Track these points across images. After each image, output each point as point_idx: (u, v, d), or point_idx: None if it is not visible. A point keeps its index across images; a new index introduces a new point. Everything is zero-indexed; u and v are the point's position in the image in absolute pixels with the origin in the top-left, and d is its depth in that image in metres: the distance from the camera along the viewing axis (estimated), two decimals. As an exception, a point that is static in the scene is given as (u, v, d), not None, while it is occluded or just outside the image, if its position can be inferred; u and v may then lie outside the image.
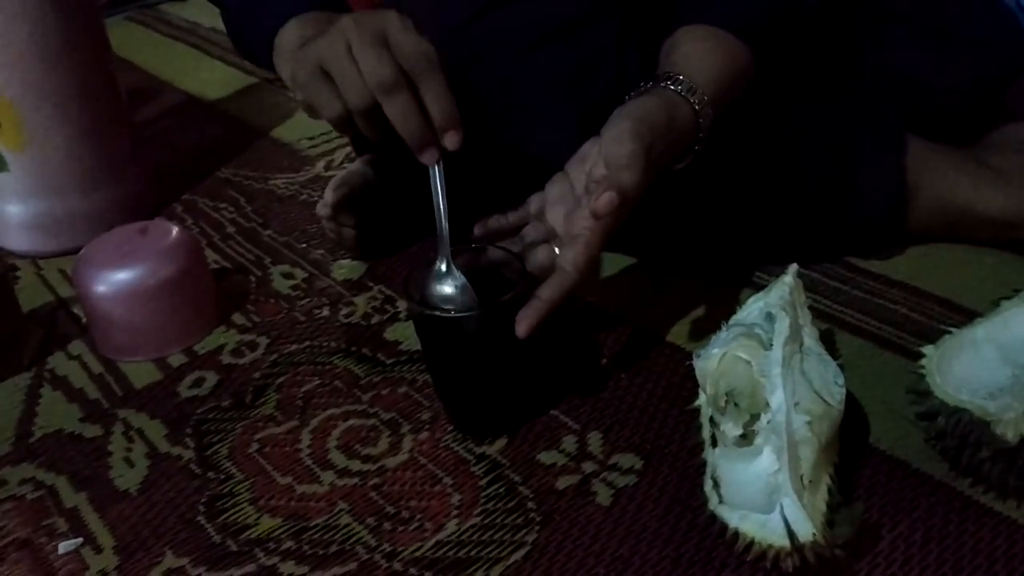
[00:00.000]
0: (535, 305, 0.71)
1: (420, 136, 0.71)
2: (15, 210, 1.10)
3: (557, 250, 0.75)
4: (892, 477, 0.69)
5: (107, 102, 1.12)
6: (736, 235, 0.91)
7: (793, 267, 0.76)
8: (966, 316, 0.80)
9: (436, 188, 0.74)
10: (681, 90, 0.76)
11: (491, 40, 0.86)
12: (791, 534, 0.58)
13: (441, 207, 0.74)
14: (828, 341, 0.81)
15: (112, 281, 0.90)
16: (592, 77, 0.86)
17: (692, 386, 0.75)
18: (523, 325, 0.71)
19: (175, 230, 0.94)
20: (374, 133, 0.74)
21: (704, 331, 0.84)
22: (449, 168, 0.75)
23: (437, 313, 0.73)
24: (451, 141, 0.72)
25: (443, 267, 0.75)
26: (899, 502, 0.67)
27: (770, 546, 0.58)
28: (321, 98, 0.73)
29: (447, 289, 0.75)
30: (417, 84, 0.71)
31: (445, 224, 0.74)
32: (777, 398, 0.65)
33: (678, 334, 0.86)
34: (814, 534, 0.58)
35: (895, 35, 0.92)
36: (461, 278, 0.75)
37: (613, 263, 0.95)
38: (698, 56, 0.78)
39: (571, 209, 0.76)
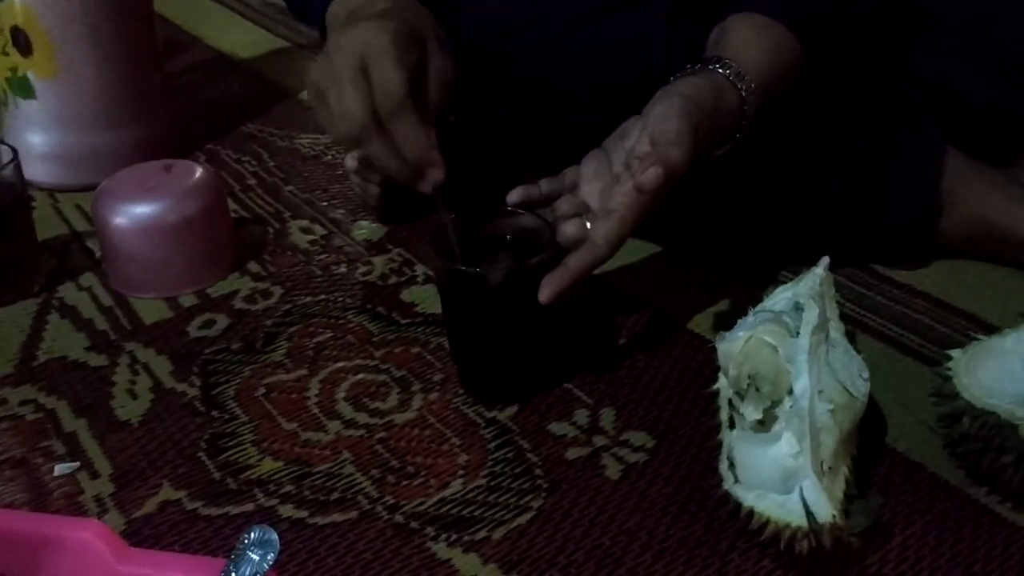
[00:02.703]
0: (561, 273, 0.71)
1: (402, 174, 0.73)
2: (38, 140, 1.09)
3: (588, 225, 0.74)
4: (908, 478, 0.68)
5: (141, 41, 1.11)
6: (766, 230, 0.90)
7: (825, 260, 0.75)
8: (991, 331, 0.79)
9: (442, 212, 0.74)
10: (729, 75, 0.75)
11: (541, 8, 0.86)
12: (809, 514, 0.57)
13: (451, 227, 0.74)
14: (850, 341, 0.80)
15: (132, 214, 0.89)
16: (638, 56, 0.85)
17: (709, 372, 0.75)
18: (547, 290, 0.70)
19: (200, 170, 0.93)
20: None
21: (725, 322, 0.83)
22: (488, 133, 0.74)
23: (462, 268, 0.72)
24: (434, 176, 0.73)
25: None
26: (913, 503, 0.66)
27: (787, 525, 0.57)
28: (323, 122, 0.75)
29: None
30: (388, 126, 0.71)
31: (456, 242, 0.74)
32: (802, 383, 0.64)
33: (698, 322, 0.85)
34: (834, 516, 0.57)
35: (944, 47, 0.91)
36: None
37: (638, 249, 0.94)
38: (748, 44, 0.77)
39: (607, 185, 0.75)
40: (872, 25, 0.87)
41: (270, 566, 0.47)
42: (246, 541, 0.48)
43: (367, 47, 0.71)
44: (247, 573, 0.47)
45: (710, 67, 0.75)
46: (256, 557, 0.47)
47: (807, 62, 0.80)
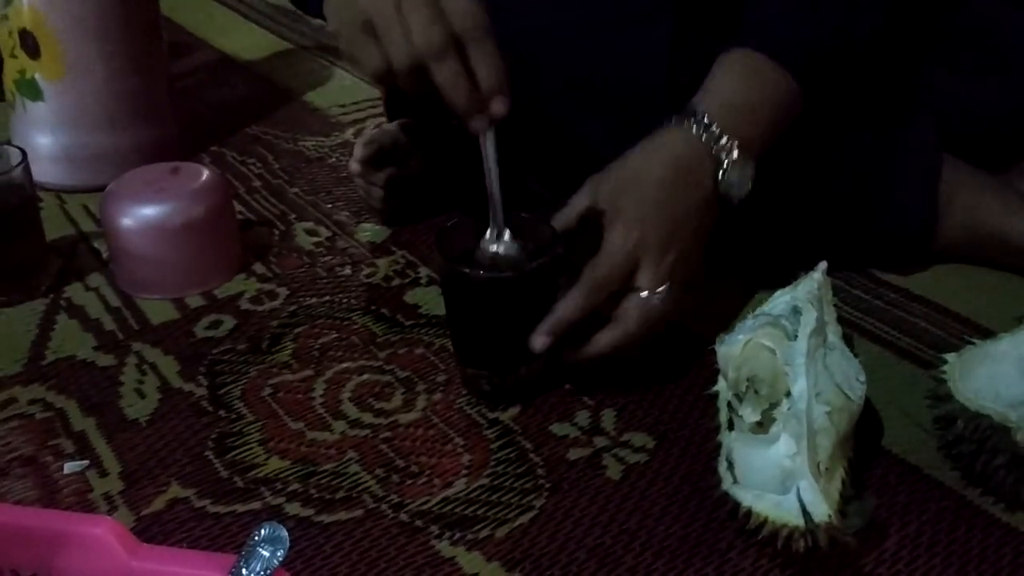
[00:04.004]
0: (551, 322, 0.72)
1: (468, 102, 0.69)
2: (45, 141, 1.10)
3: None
4: (903, 480, 0.69)
5: (148, 44, 1.12)
6: (765, 236, 0.91)
7: (822, 264, 0.76)
8: (986, 335, 0.81)
9: (487, 154, 0.72)
10: (713, 149, 0.75)
11: (547, 19, 0.86)
12: (806, 514, 0.58)
13: (493, 173, 0.73)
14: (847, 344, 0.81)
15: (139, 215, 0.90)
16: (642, 70, 0.86)
17: (709, 374, 0.76)
18: (539, 341, 0.71)
19: (206, 172, 0.94)
20: (416, 92, 0.72)
21: (724, 324, 0.84)
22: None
23: (465, 270, 0.73)
24: (498, 107, 0.70)
25: (495, 234, 0.75)
26: (908, 504, 0.67)
27: (784, 525, 0.59)
28: (364, 54, 0.71)
29: (500, 253, 0.75)
30: (466, 48, 0.69)
31: (497, 191, 0.74)
32: (800, 386, 0.65)
33: (698, 325, 0.86)
34: (829, 516, 0.58)
35: (942, 54, 0.92)
36: (514, 244, 0.75)
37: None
38: (731, 88, 0.77)
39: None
40: (878, 58, 0.85)
41: (280, 562, 0.48)
42: (256, 538, 0.49)
43: None
44: (257, 569, 0.48)
45: (694, 126, 0.75)
46: (266, 553, 0.48)
47: (809, 100, 0.79)
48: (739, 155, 0.75)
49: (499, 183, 0.73)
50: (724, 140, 0.75)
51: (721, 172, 0.75)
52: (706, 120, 0.75)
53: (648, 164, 0.75)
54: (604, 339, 0.74)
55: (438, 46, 0.67)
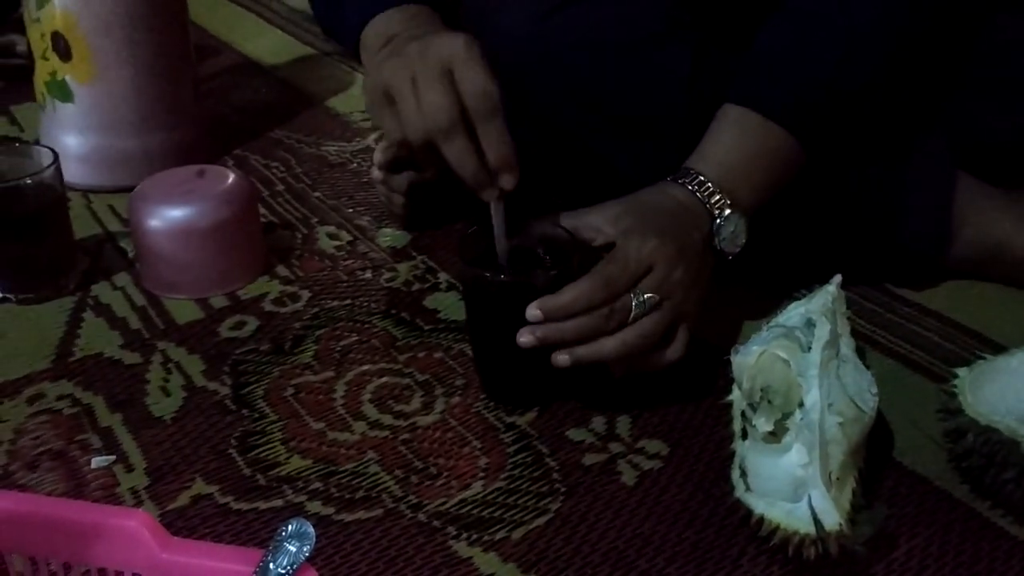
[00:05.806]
0: (549, 300, 0.72)
1: (476, 177, 0.72)
2: (73, 142, 1.12)
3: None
4: (913, 491, 0.70)
5: (176, 48, 1.14)
6: (780, 248, 0.92)
7: (837, 277, 0.77)
8: (997, 351, 0.82)
9: (497, 223, 0.75)
10: (707, 205, 0.77)
11: (568, 37, 0.88)
12: (817, 522, 0.59)
13: (501, 240, 0.76)
14: (860, 357, 0.82)
15: (166, 217, 0.92)
16: (663, 92, 0.87)
17: (723, 383, 0.77)
18: (530, 312, 0.72)
19: (232, 176, 0.96)
20: (433, 162, 0.75)
21: (739, 335, 0.86)
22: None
23: (486, 275, 0.75)
24: (506, 182, 0.73)
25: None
26: (918, 515, 0.68)
27: (795, 532, 0.60)
28: (384, 123, 0.75)
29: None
30: (475, 126, 0.71)
31: (505, 254, 0.76)
32: (812, 397, 0.66)
33: (714, 336, 0.87)
34: (840, 524, 0.59)
35: (958, 74, 0.93)
36: (534, 253, 0.77)
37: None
38: (726, 149, 0.79)
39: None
40: (879, 94, 0.84)
41: (306, 558, 0.50)
42: (283, 533, 0.50)
43: (454, 52, 0.71)
44: (284, 563, 0.49)
45: (690, 184, 0.77)
46: (293, 549, 0.50)
47: (810, 148, 0.80)
48: (731, 212, 0.77)
49: (507, 247, 0.76)
50: (717, 198, 0.77)
51: (715, 225, 0.77)
52: (701, 178, 0.77)
53: (656, 198, 0.77)
54: (609, 344, 0.73)
55: (447, 126, 0.70)
